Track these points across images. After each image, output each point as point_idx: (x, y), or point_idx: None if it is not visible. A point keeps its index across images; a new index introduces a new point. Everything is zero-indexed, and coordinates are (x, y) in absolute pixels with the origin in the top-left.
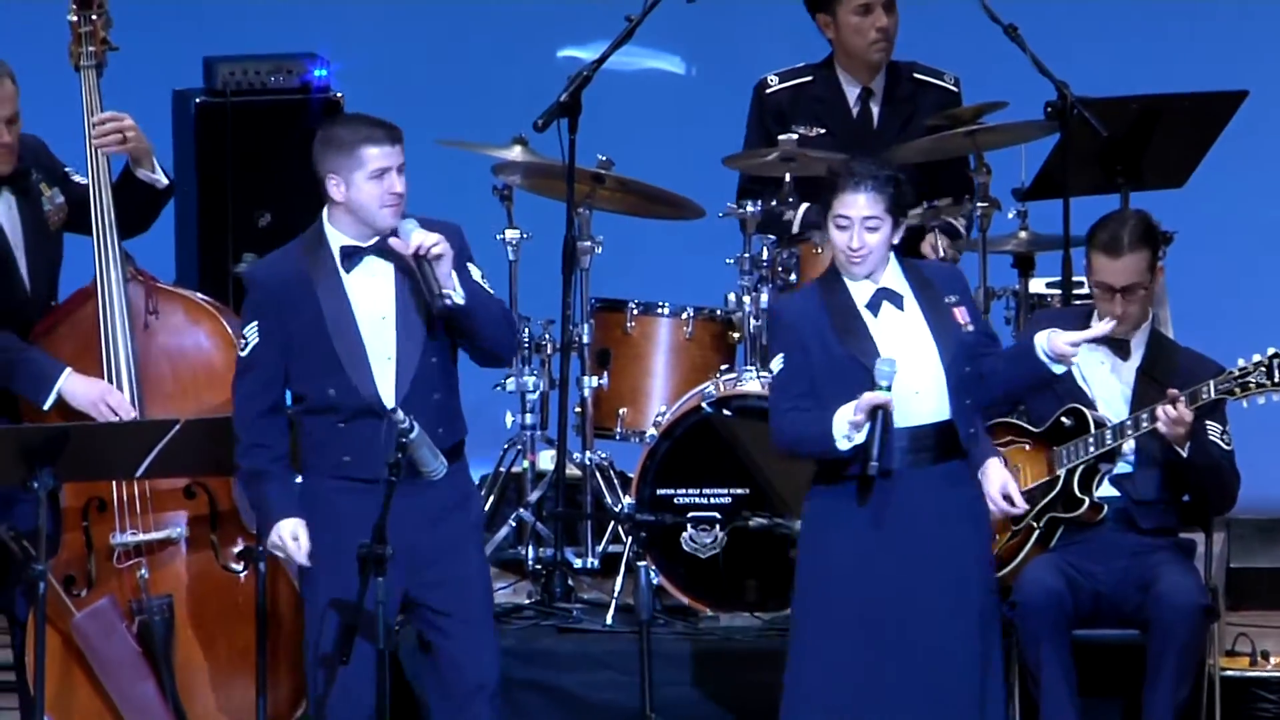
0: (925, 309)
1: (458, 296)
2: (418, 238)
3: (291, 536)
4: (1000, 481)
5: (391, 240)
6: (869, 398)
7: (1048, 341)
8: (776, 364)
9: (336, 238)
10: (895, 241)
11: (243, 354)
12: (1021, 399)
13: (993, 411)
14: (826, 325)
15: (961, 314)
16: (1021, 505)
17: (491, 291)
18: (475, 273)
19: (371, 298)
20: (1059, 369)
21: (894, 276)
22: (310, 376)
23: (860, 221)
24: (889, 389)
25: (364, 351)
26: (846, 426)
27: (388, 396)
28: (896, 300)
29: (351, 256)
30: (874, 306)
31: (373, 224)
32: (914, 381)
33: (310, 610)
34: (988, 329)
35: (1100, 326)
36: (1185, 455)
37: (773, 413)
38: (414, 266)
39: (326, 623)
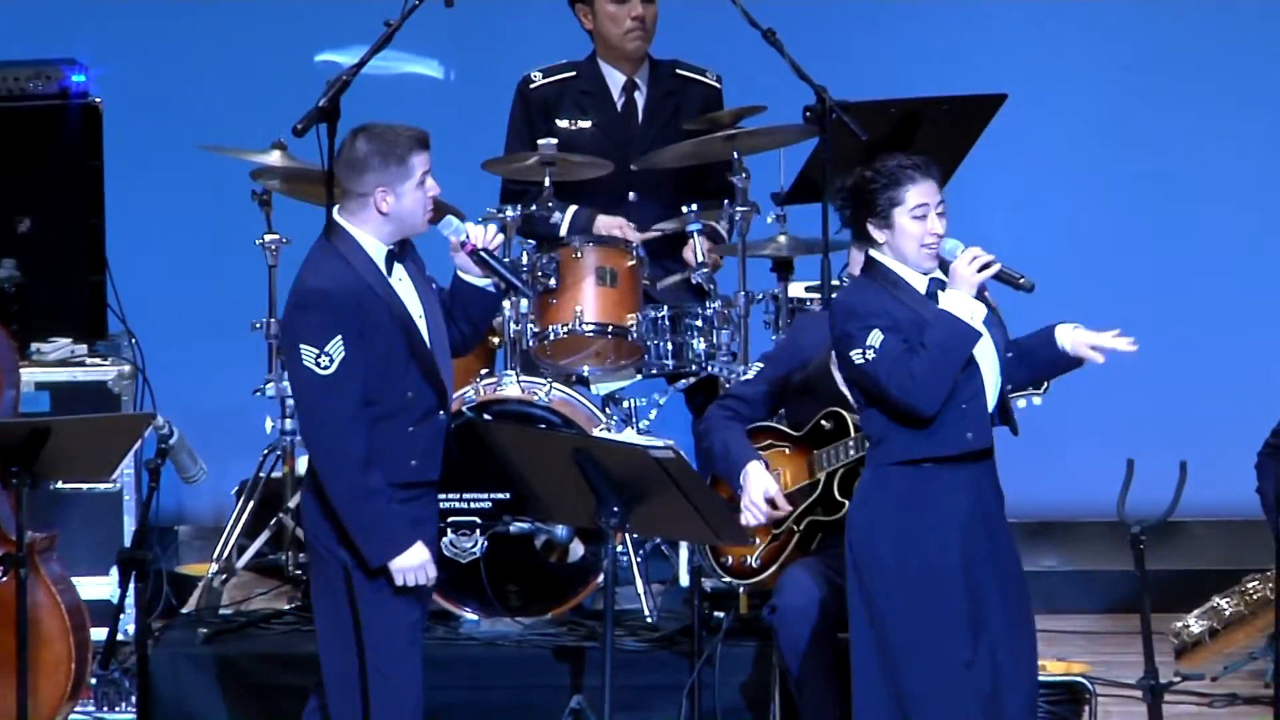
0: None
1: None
2: (478, 231)
3: (422, 562)
4: (762, 486)
5: (452, 240)
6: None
7: (1071, 339)
8: (874, 338)
9: (374, 245)
10: None
11: (327, 371)
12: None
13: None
14: (904, 309)
15: (988, 300)
16: (785, 507)
17: None
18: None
19: (409, 300)
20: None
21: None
22: (389, 383)
23: (935, 206)
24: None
25: (430, 352)
26: (972, 304)
27: (445, 397)
28: (946, 289)
29: (393, 261)
30: (933, 296)
31: (414, 230)
32: (985, 370)
33: (373, 618)
34: None
35: (1119, 343)
36: None
37: (894, 371)
38: (480, 260)
39: (389, 632)
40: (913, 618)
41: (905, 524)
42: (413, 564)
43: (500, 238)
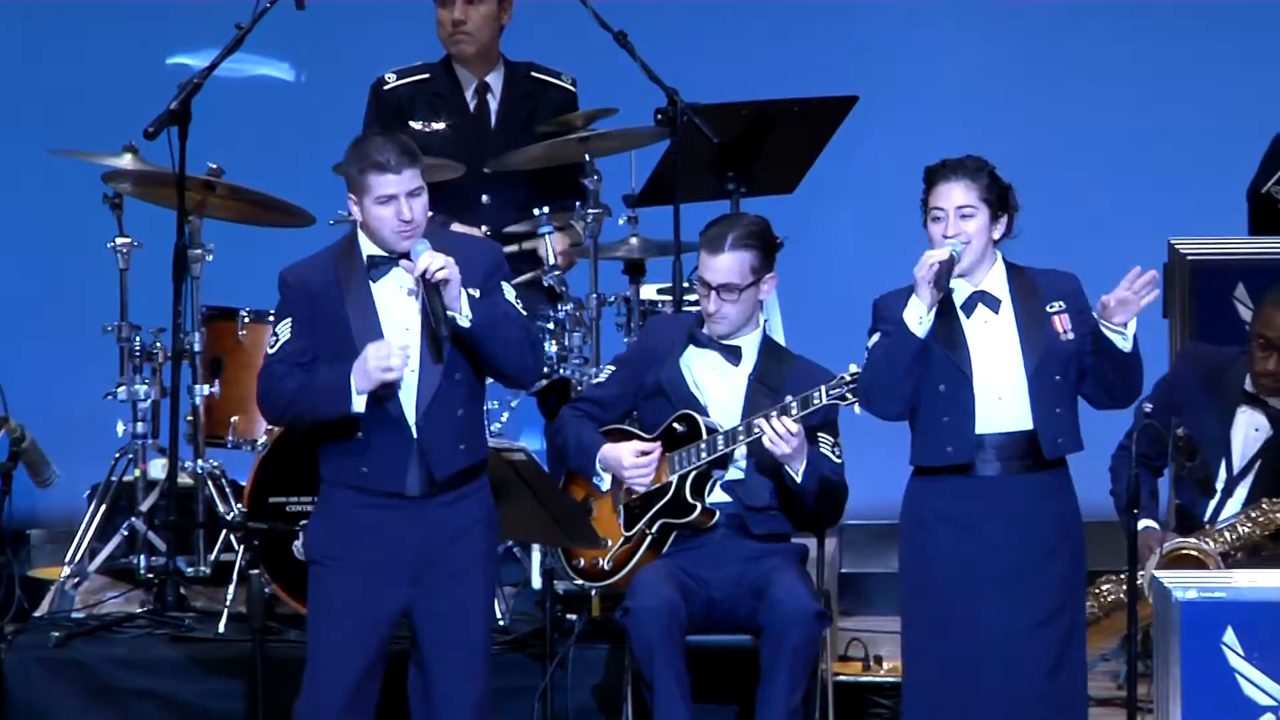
0: (1020, 315)
1: (463, 320)
2: (425, 260)
3: (386, 353)
4: (629, 450)
5: (403, 262)
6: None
7: (1100, 311)
8: (871, 341)
9: (366, 246)
10: (997, 237)
11: (272, 349)
12: (1116, 385)
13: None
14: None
15: (1062, 322)
16: (656, 449)
17: (524, 313)
18: (509, 293)
19: (397, 309)
20: (1123, 341)
21: (996, 280)
22: None
23: (955, 211)
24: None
25: None
26: (920, 308)
27: (409, 409)
28: (992, 304)
29: (378, 266)
30: (968, 308)
31: (385, 245)
32: (998, 387)
33: (316, 616)
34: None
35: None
36: (799, 480)
37: (862, 376)
38: (421, 288)
39: (332, 631)
40: (907, 615)
41: (909, 527)
42: (375, 365)
43: (445, 272)
